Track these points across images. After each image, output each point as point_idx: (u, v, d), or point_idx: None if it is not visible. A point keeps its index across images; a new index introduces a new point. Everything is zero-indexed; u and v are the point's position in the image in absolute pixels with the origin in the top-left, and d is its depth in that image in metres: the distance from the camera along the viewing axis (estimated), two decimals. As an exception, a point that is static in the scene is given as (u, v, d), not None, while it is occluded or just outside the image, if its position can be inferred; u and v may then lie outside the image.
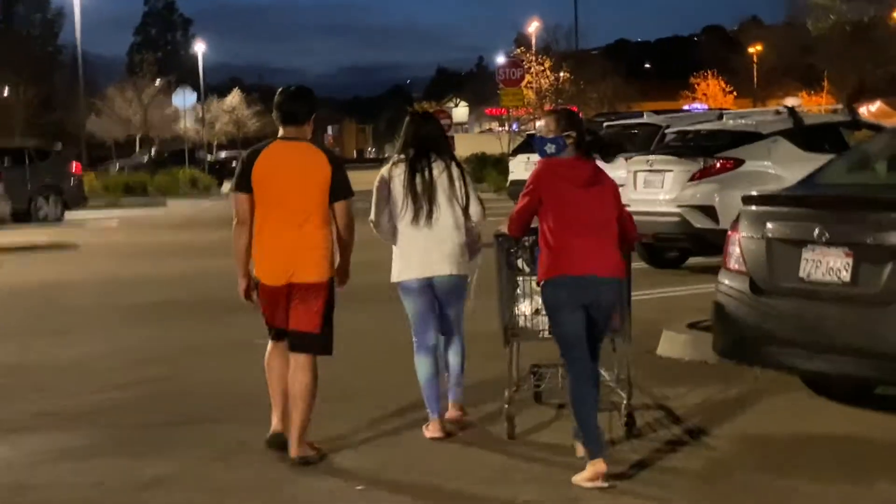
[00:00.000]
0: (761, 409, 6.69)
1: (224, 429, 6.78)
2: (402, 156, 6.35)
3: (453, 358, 6.48)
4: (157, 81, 56.56)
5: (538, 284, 5.52)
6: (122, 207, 34.35)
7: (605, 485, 5.18)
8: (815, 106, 44.32)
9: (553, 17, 59.56)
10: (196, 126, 59.57)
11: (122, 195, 38.42)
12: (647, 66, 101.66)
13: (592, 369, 5.45)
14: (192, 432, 6.75)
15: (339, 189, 5.96)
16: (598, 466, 5.20)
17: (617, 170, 16.02)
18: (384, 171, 6.39)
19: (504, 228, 5.77)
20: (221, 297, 12.79)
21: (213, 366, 8.87)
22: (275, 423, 6.12)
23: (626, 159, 15.20)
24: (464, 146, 45.75)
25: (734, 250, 6.32)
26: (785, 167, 12.78)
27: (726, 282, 6.35)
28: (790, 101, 52.17)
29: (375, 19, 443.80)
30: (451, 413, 6.50)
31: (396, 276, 6.40)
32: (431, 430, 6.31)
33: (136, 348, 9.73)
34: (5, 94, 53.26)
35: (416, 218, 6.24)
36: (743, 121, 14.13)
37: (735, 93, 71.32)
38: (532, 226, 5.59)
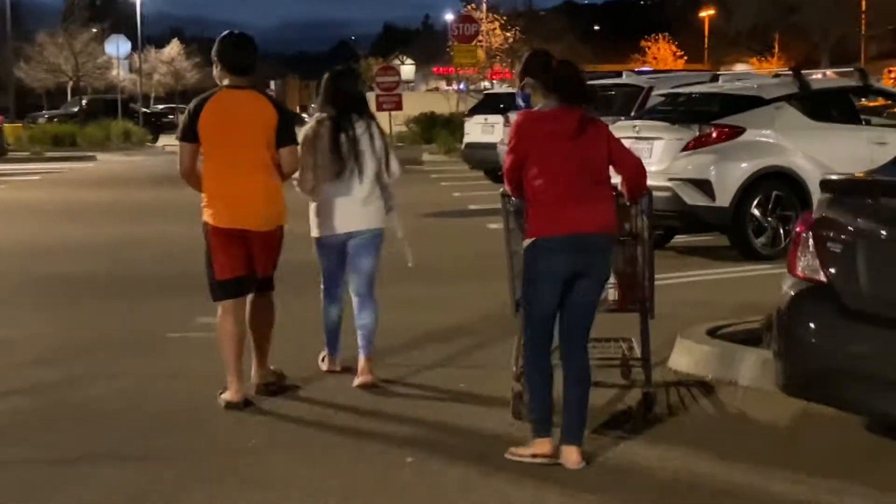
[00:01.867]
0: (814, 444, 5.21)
1: (134, 470, 5.17)
2: (325, 114, 6.48)
3: (368, 318, 6.59)
4: (94, 30, 53.95)
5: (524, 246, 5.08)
6: (48, 161, 32.16)
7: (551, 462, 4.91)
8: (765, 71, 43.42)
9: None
10: (131, 76, 57.10)
11: (49, 147, 36.38)
12: (597, 28, 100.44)
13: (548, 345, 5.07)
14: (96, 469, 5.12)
15: (286, 135, 6.09)
16: (542, 447, 4.95)
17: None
18: (307, 129, 6.52)
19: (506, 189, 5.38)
20: (147, 271, 11.16)
21: (128, 366, 7.20)
22: (234, 391, 6.06)
23: (605, 124, 13.68)
24: (411, 105, 43.86)
25: (807, 254, 4.75)
26: (791, 137, 11.34)
27: (794, 293, 4.80)
28: (740, 67, 51.38)
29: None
30: (366, 376, 6.52)
31: (317, 231, 6.59)
32: (328, 365, 6.81)
33: (39, 338, 8.03)
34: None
35: (340, 175, 6.42)
36: (741, 84, 12.59)
37: (686, 57, 70.72)
38: None
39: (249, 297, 6.21)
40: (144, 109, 46.21)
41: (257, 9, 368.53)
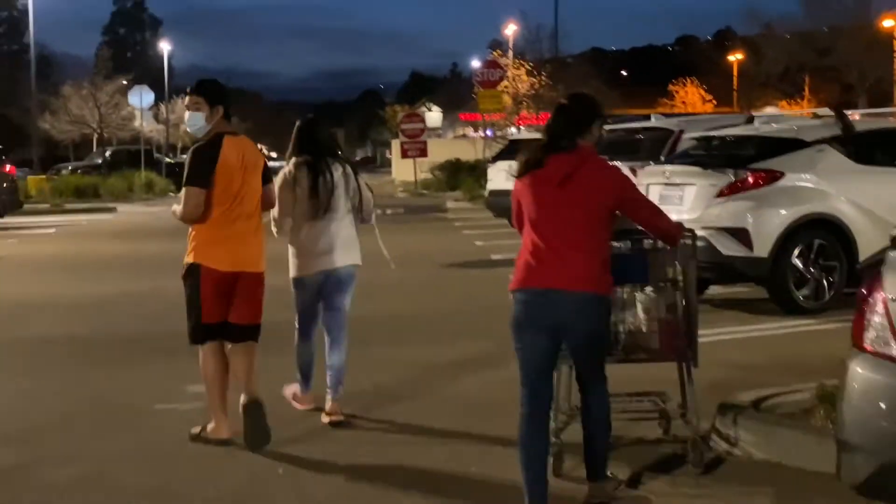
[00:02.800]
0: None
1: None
2: (302, 159, 6.75)
3: (337, 357, 6.80)
4: (124, 81, 53.90)
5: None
6: (68, 213, 31.73)
7: None
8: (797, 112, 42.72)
9: (528, 25, 57.22)
10: (158, 127, 56.94)
11: (72, 199, 35.99)
12: (624, 73, 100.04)
13: (545, 409, 4.83)
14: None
15: (268, 174, 6.41)
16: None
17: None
18: (286, 172, 6.76)
19: None
20: (143, 331, 10.43)
21: (103, 447, 6.44)
22: (225, 429, 6.24)
23: (634, 169, 12.90)
24: (438, 152, 43.42)
25: (879, 323, 3.94)
26: (834, 181, 10.52)
27: (866, 372, 3.98)
28: (770, 110, 50.79)
29: (350, 23, 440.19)
30: (333, 414, 6.73)
31: (296, 271, 6.84)
32: (301, 402, 7.03)
33: (4, 412, 7.30)
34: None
35: (318, 215, 6.70)
36: (779, 126, 11.80)
37: (714, 101, 70.09)
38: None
39: (230, 347, 6.27)
40: (168, 160, 45.81)
41: (287, 59, 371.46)
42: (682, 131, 13.27)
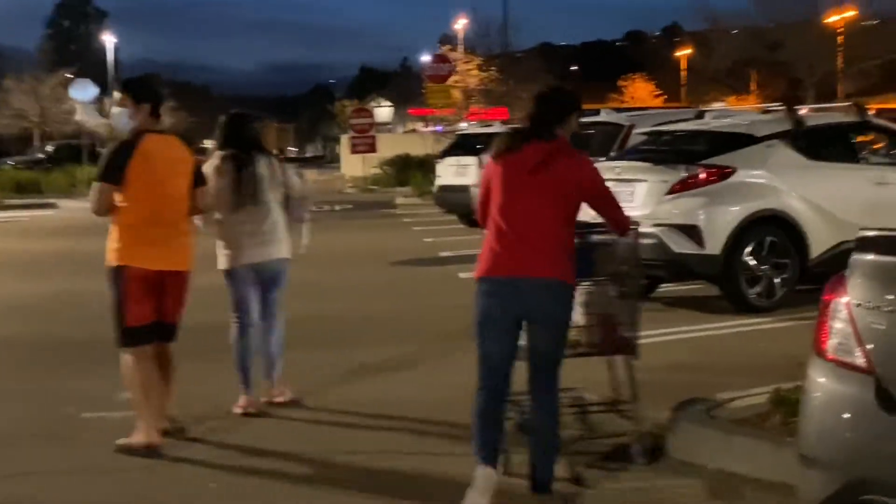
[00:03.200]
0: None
1: None
2: (227, 152, 6.84)
3: (275, 344, 7.02)
4: (68, 75, 52.89)
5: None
6: (6, 209, 30.97)
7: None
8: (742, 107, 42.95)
9: (478, 19, 57.00)
10: (104, 121, 55.95)
11: (11, 195, 35.18)
12: (574, 68, 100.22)
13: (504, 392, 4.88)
14: None
15: (199, 177, 6.34)
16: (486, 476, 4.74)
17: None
18: (212, 166, 6.80)
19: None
20: (77, 334, 10.01)
21: (26, 461, 6.08)
22: (157, 434, 6.09)
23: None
24: (387, 147, 42.99)
25: (842, 330, 3.69)
26: (785, 177, 10.35)
27: (825, 381, 3.73)
28: (717, 105, 51.06)
29: (302, 17, 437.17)
30: (275, 394, 7.01)
31: (227, 263, 6.88)
32: (245, 405, 6.86)
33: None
34: None
35: (241, 207, 6.77)
36: (731, 120, 11.61)
37: (664, 96, 70.40)
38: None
39: (164, 347, 6.24)
40: (113, 154, 44.78)
41: (236, 53, 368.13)
42: (632, 126, 13.07)
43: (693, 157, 10.51)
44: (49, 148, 44.57)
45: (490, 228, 4.82)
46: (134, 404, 6.16)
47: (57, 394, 7.68)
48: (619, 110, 16.89)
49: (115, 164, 6.00)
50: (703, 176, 10.23)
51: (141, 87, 6.29)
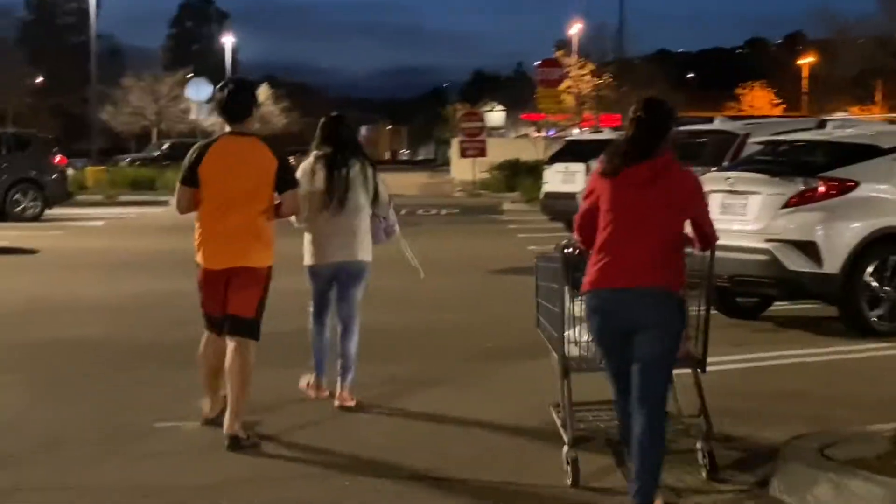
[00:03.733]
0: None
1: None
2: (322, 152, 7.05)
3: (350, 345, 7.07)
4: (189, 75, 53.84)
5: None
6: (120, 205, 31.52)
7: None
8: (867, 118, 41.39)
9: (593, 25, 56.17)
10: (217, 119, 56.71)
11: (127, 191, 35.83)
12: (691, 75, 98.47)
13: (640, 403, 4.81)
14: None
15: (285, 181, 6.31)
16: None
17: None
18: (305, 164, 7.07)
19: (575, 239, 5.20)
20: (164, 336, 9.80)
21: (90, 475, 5.82)
22: (205, 410, 6.51)
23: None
24: (498, 152, 42.60)
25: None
26: (913, 194, 9.61)
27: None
28: (839, 115, 49.42)
29: (416, 21, 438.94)
30: (345, 399, 7.04)
31: (310, 260, 7.13)
32: (315, 391, 7.19)
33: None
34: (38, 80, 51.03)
35: (330, 207, 6.95)
36: (853, 131, 10.90)
37: (784, 105, 68.62)
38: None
39: (233, 343, 6.25)
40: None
41: (353, 56, 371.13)
42: (747, 135, 12.40)
43: (812, 169, 9.86)
44: (165, 146, 45.25)
45: (600, 242, 4.86)
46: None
47: (132, 396, 7.46)
48: (733, 118, 16.14)
49: (189, 166, 6.30)
50: (822, 189, 9.57)
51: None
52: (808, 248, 9.45)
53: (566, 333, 5.57)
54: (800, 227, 9.52)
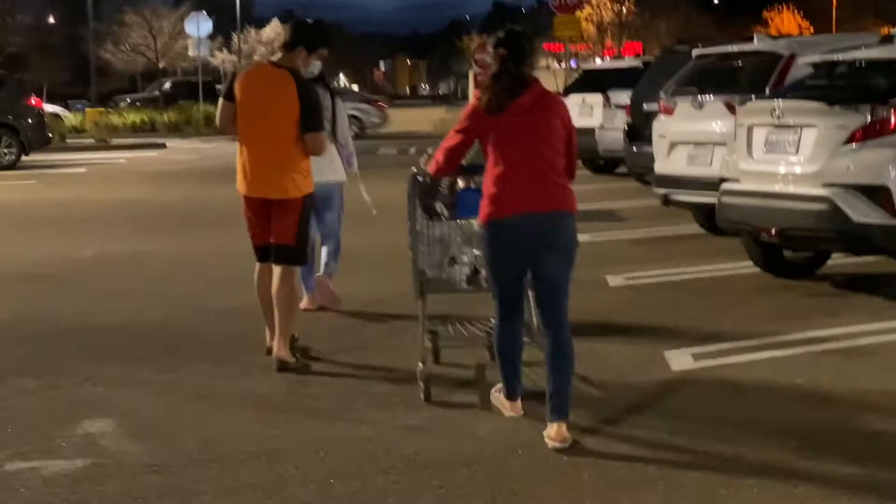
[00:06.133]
0: None
1: None
2: None
3: (327, 253, 8.01)
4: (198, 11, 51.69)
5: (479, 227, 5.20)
6: (112, 149, 29.73)
7: (566, 446, 4.82)
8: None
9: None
10: (227, 57, 54.73)
11: (125, 133, 34.07)
12: (715, 1, 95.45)
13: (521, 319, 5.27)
14: None
15: (307, 121, 6.28)
16: (561, 429, 4.87)
17: (715, 119, 11.11)
18: None
19: (425, 166, 5.48)
20: (85, 320, 7.91)
21: None
22: (268, 340, 6.54)
23: (731, 105, 10.17)
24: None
25: None
26: None
27: None
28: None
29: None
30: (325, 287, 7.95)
31: None
32: (307, 303, 7.79)
33: None
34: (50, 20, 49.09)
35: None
36: (931, 45, 8.90)
37: (812, 29, 66.01)
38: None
39: (278, 271, 6.38)
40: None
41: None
42: (793, 55, 10.38)
43: (881, 94, 7.92)
44: (167, 86, 43.32)
45: (493, 172, 4.97)
46: None
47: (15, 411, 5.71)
48: (775, 38, 14.05)
49: (229, 81, 6.49)
50: (895, 120, 7.65)
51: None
52: (879, 195, 7.54)
53: (421, 253, 5.75)
54: (868, 168, 7.61)
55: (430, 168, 5.30)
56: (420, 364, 5.65)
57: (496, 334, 5.19)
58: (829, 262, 9.10)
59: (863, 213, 7.61)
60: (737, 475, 4.51)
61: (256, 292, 6.50)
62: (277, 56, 6.47)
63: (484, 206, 4.98)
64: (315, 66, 7.26)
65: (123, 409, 5.66)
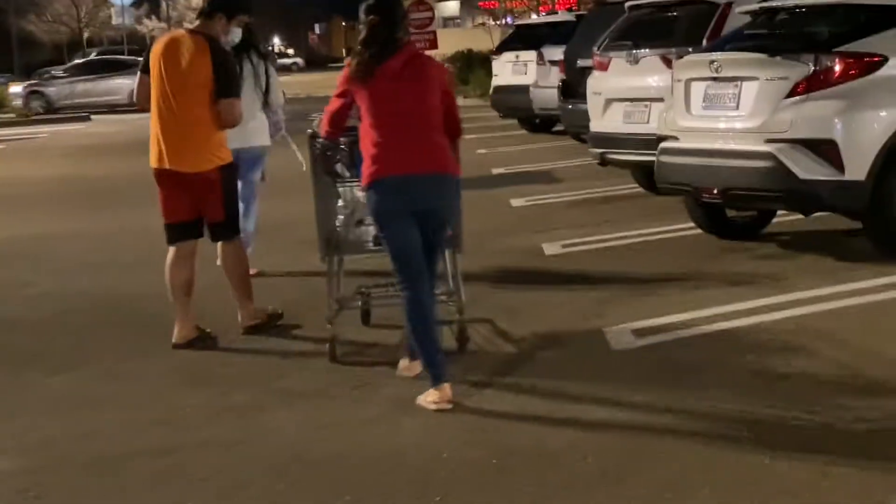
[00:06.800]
0: None
1: None
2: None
3: (250, 223, 7.81)
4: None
5: (362, 190, 5.22)
6: (37, 123, 28.78)
7: (449, 407, 4.85)
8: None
9: None
10: (157, 25, 53.47)
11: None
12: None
13: (430, 284, 5.14)
14: None
15: (221, 87, 6.09)
16: (444, 391, 4.91)
17: (651, 74, 10.59)
18: None
19: (317, 128, 5.54)
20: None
21: None
22: (177, 332, 6.19)
23: (667, 58, 9.71)
24: (450, 43, 39.78)
25: None
26: (960, 69, 7.25)
27: None
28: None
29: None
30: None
31: None
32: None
33: None
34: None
35: None
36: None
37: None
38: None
39: (219, 245, 6.32)
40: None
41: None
42: (730, 3, 9.89)
43: (826, 42, 7.47)
44: (93, 55, 42.02)
45: (372, 135, 4.99)
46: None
47: None
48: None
49: (146, 54, 6.34)
50: (840, 69, 7.19)
51: None
52: (825, 149, 7.11)
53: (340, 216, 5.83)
54: (813, 121, 7.15)
55: (322, 132, 5.33)
56: (328, 325, 5.69)
57: (404, 305, 5.06)
58: (774, 220, 8.69)
59: (809, 169, 7.16)
60: (687, 476, 4.04)
61: (170, 277, 6.18)
62: (196, 24, 6.29)
63: (365, 168, 5.00)
64: (235, 34, 7.05)
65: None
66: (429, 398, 4.92)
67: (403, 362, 5.42)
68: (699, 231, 8.51)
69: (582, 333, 6.04)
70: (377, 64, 4.97)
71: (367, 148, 5.02)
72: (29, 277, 8.55)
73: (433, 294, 5.18)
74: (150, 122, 6.19)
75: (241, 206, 7.06)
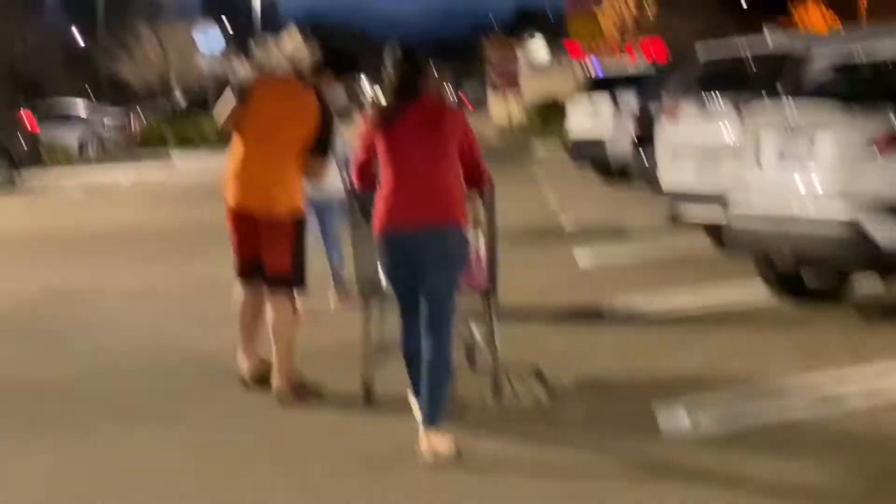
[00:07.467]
0: None
1: None
2: None
3: (335, 259, 8.49)
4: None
5: None
6: (122, 161, 29.14)
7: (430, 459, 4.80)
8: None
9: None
10: (238, 66, 53.92)
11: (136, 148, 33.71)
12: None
13: (429, 328, 5.06)
14: None
15: (321, 144, 6.09)
16: (433, 440, 4.85)
17: (723, 125, 9.99)
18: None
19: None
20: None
21: None
22: (241, 363, 6.25)
23: (738, 107, 9.14)
24: (533, 87, 39.38)
25: None
26: None
27: None
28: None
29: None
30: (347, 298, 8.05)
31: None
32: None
33: None
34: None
35: None
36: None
37: (840, 22, 64.63)
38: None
39: (270, 302, 6.07)
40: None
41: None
42: (809, 52, 9.28)
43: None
44: (181, 100, 42.70)
45: (383, 186, 5.08)
46: None
47: None
48: (790, 33, 12.83)
49: (241, 88, 6.09)
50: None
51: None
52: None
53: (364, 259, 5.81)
54: (896, 182, 6.55)
55: (355, 186, 5.45)
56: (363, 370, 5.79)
57: (400, 331, 5.26)
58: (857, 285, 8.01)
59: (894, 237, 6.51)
60: None
61: (239, 309, 6.23)
62: (293, 70, 6.24)
63: (375, 219, 5.10)
64: (339, 92, 6.98)
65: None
66: (422, 445, 4.89)
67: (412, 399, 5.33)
68: (772, 296, 7.88)
69: (632, 413, 5.49)
70: (398, 113, 5.07)
71: (379, 198, 5.12)
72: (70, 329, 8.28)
73: (419, 337, 5.09)
74: (230, 158, 6.12)
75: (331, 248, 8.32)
